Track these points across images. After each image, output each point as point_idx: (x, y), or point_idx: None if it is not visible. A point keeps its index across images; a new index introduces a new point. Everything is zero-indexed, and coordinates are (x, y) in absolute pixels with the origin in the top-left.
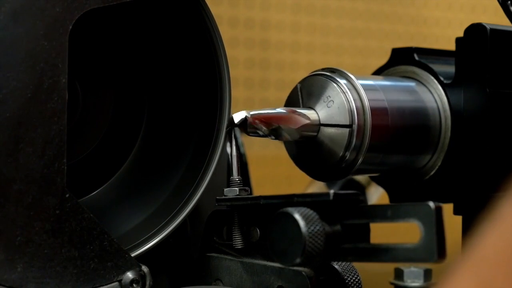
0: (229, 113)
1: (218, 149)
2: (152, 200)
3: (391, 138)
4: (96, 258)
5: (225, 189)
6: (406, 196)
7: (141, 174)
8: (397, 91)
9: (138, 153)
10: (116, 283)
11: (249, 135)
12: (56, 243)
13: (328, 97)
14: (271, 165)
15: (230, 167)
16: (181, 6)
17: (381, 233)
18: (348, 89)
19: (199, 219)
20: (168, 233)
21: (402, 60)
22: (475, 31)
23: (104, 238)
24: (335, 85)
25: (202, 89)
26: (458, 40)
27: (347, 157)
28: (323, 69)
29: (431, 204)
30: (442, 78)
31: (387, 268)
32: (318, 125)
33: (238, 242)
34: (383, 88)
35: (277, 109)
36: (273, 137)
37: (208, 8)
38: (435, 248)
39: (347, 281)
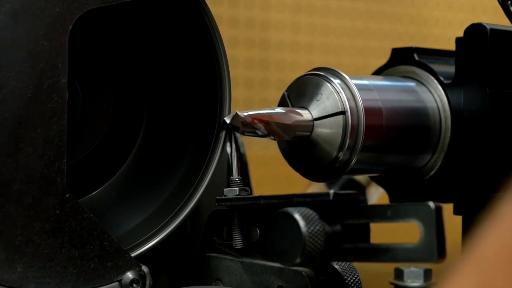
0: (229, 113)
1: (218, 149)
2: (152, 200)
3: (386, 138)
4: (96, 258)
5: (225, 189)
6: (406, 196)
7: (141, 174)
8: (393, 91)
9: (138, 153)
10: (116, 283)
11: (243, 134)
12: (56, 243)
13: (321, 95)
14: (271, 165)
15: (230, 167)
16: (181, 6)
17: (381, 233)
18: (342, 88)
19: (199, 219)
20: (168, 233)
21: (402, 60)
22: (475, 31)
23: (104, 238)
24: (328, 84)
25: (202, 89)
26: (458, 40)
27: (340, 158)
28: (317, 69)
29: (431, 204)
30: (442, 78)
31: (387, 268)
32: (312, 120)
33: (238, 242)
34: (378, 88)
35: (269, 108)
36: (271, 137)
37: (208, 8)
38: (435, 248)
39: (347, 281)
